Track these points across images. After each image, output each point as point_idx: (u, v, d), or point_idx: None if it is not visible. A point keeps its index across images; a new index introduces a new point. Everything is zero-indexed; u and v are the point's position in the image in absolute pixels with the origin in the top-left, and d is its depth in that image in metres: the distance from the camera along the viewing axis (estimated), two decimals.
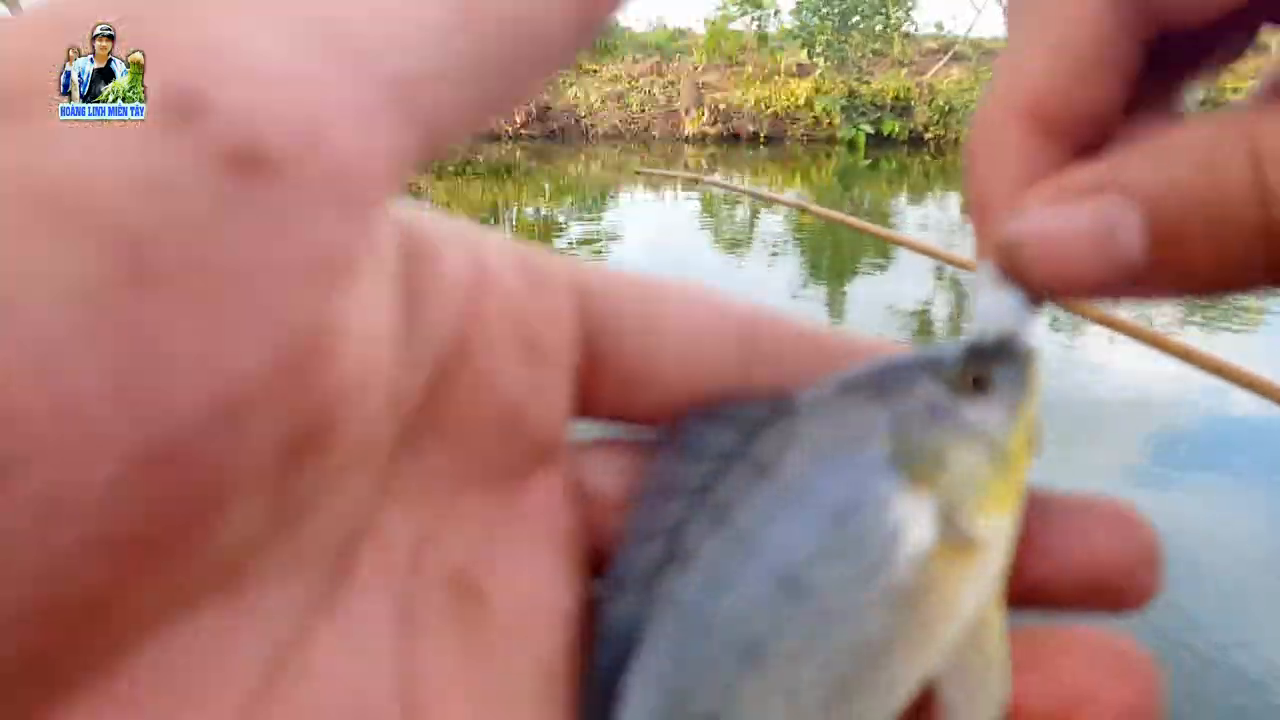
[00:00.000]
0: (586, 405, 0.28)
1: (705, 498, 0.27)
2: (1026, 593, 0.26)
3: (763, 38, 15.94)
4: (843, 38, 14.47)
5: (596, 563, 0.28)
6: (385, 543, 0.23)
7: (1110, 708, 0.22)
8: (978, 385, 0.28)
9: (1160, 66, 0.27)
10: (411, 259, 0.23)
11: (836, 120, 13.40)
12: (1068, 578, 0.25)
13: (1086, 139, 0.26)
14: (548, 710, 0.25)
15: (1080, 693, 0.23)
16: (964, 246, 5.61)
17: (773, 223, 7.48)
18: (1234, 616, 2.16)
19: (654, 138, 14.17)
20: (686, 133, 14.03)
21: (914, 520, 0.26)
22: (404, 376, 0.22)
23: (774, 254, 6.45)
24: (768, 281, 5.46)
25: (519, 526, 0.26)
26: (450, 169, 11.42)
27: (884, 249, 5.80)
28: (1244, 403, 3.24)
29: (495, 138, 14.09)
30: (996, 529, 0.26)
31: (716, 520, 0.26)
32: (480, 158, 12.12)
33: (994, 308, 0.27)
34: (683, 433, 0.28)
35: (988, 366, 0.28)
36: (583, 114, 14.57)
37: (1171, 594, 2.32)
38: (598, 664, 0.26)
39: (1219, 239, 0.23)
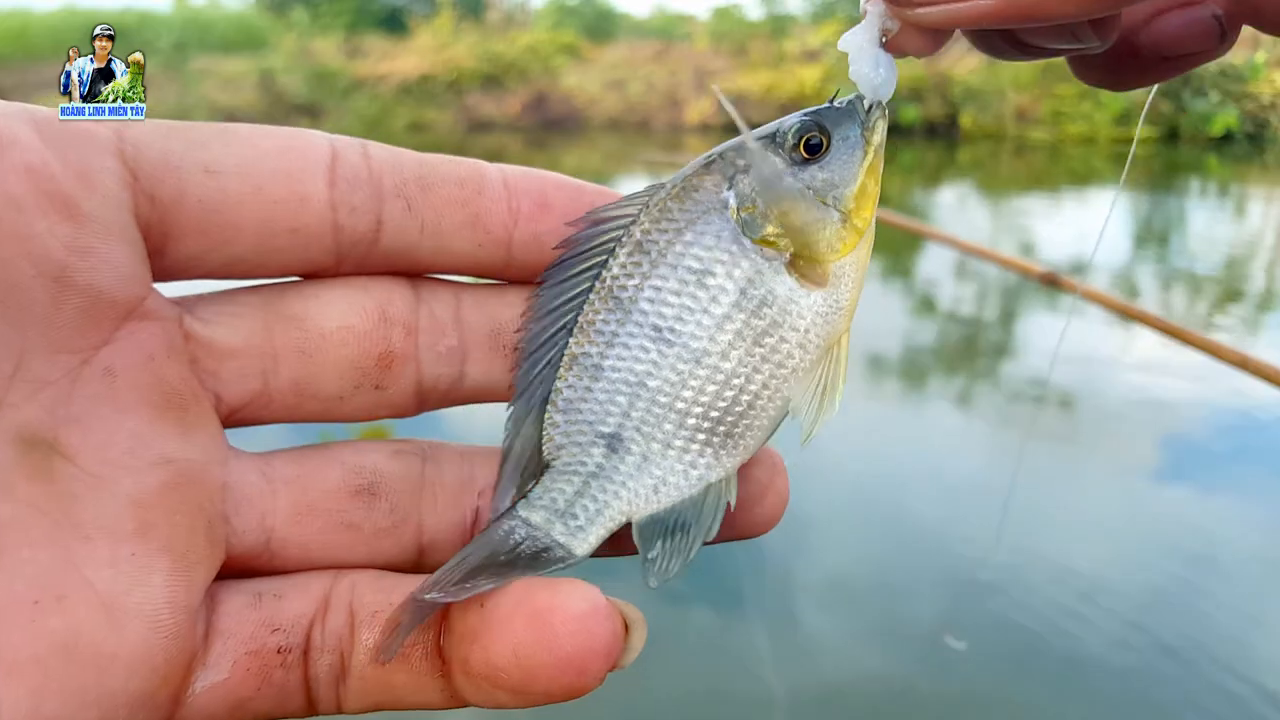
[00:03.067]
0: (173, 262, 0.30)
1: (596, 279, 0.33)
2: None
3: (775, 21, 15.69)
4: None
5: (221, 404, 0.31)
6: None
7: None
8: (809, 151, 0.33)
9: None
10: None
11: None
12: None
13: None
14: (145, 542, 0.29)
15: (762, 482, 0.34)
16: (970, 235, 5.46)
17: None
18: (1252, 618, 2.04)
19: (656, 128, 13.96)
20: (690, 121, 13.83)
21: (761, 274, 0.33)
22: None
23: None
24: None
25: (104, 384, 0.29)
26: None
27: (901, 239, 5.63)
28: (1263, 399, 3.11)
29: (489, 126, 13.90)
30: (839, 270, 0.33)
31: (606, 291, 0.33)
32: (474, 148, 11.93)
33: (858, 43, 0.33)
34: (571, 244, 0.33)
35: (823, 132, 0.33)
36: (580, 103, 14.36)
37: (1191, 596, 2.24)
38: (514, 414, 0.34)
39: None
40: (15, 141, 0.27)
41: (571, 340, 0.33)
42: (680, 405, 0.33)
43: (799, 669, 1.94)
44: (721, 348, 0.33)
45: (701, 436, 0.33)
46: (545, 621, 0.29)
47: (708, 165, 0.34)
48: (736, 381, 0.33)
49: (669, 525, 0.33)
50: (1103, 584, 2.23)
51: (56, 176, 0.27)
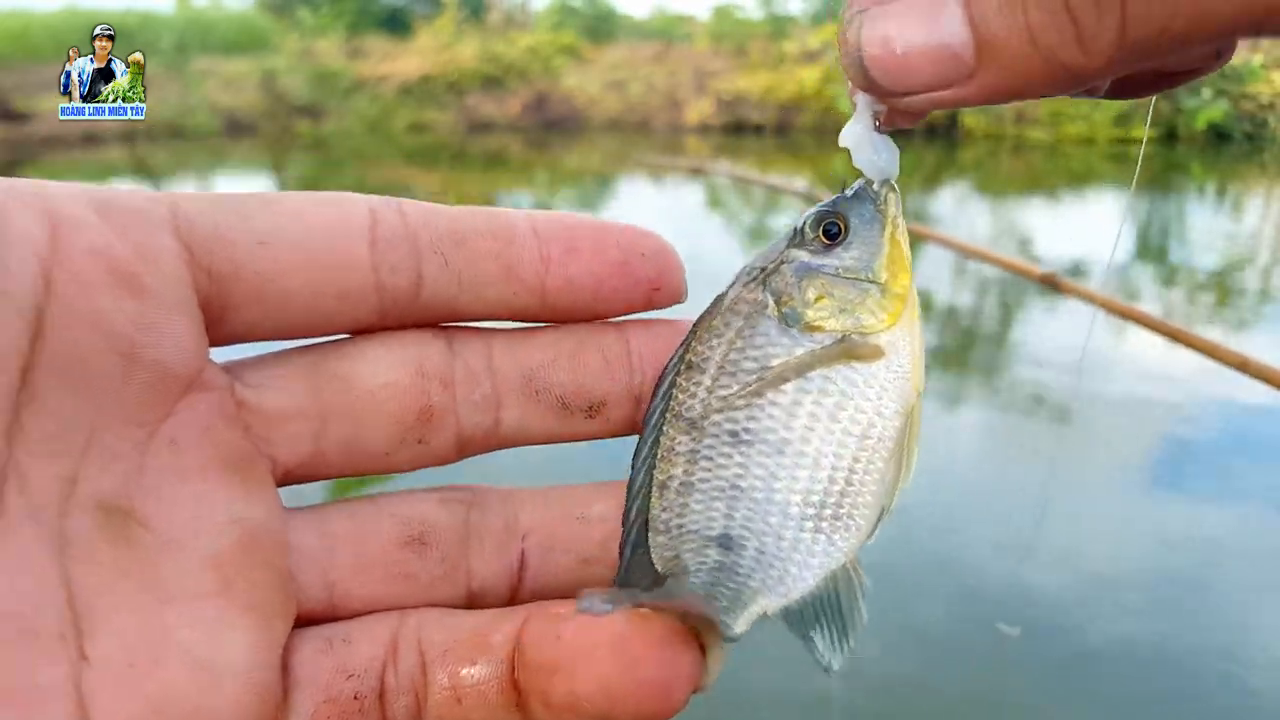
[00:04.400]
0: (230, 330, 0.32)
1: (669, 408, 0.35)
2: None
3: (775, 21, 15.67)
4: None
5: (277, 467, 0.33)
6: (28, 486, 0.27)
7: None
8: (829, 236, 0.35)
9: None
10: None
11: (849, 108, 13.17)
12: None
13: None
14: (224, 599, 0.30)
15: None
16: (979, 239, 5.45)
17: (786, 216, 7.30)
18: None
19: (656, 128, 13.95)
20: (690, 122, 13.82)
21: (813, 357, 0.34)
22: None
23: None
24: None
25: (171, 454, 0.30)
26: (443, 160, 11.23)
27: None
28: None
29: (489, 127, 13.91)
30: (891, 339, 0.34)
31: (674, 416, 0.35)
32: (475, 148, 11.93)
33: (855, 134, 0.35)
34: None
35: (839, 217, 0.35)
36: (580, 103, 14.36)
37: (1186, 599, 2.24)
38: (623, 542, 0.35)
39: (1034, 55, 0.26)
40: (80, 223, 0.28)
41: (656, 470, 0.35)
42: (779, 497, 0.34)
43: (799, 669, 1.95)
44: (800, 433, 0.34)
45: (810, 524, 0.34)
46: (628, 650, 0.30)
47: (738, 281, 0.36)
48: (826, 461, 0.34)
49: (812, 616, 0.34)
50: (1101, 583, 2.24)
51: (120, 256, 0.28)
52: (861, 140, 0.35)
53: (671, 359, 0.36)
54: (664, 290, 0.35)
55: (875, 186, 0.36)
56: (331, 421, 0.33)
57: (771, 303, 0.35)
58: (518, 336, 0.36)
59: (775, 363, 0.35)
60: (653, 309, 0.36)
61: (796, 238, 0.36)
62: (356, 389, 0.34)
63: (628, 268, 0.35)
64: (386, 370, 0.34)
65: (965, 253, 3.95)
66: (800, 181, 8.24)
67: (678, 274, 0.35)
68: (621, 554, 0.35)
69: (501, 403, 0.35)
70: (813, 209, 0.36)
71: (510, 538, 0.35)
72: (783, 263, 0.36)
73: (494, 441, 0.36)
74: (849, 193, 0.36)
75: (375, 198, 0.33)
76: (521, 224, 0.34)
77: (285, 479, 0.34)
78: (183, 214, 0.30)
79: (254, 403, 0.32)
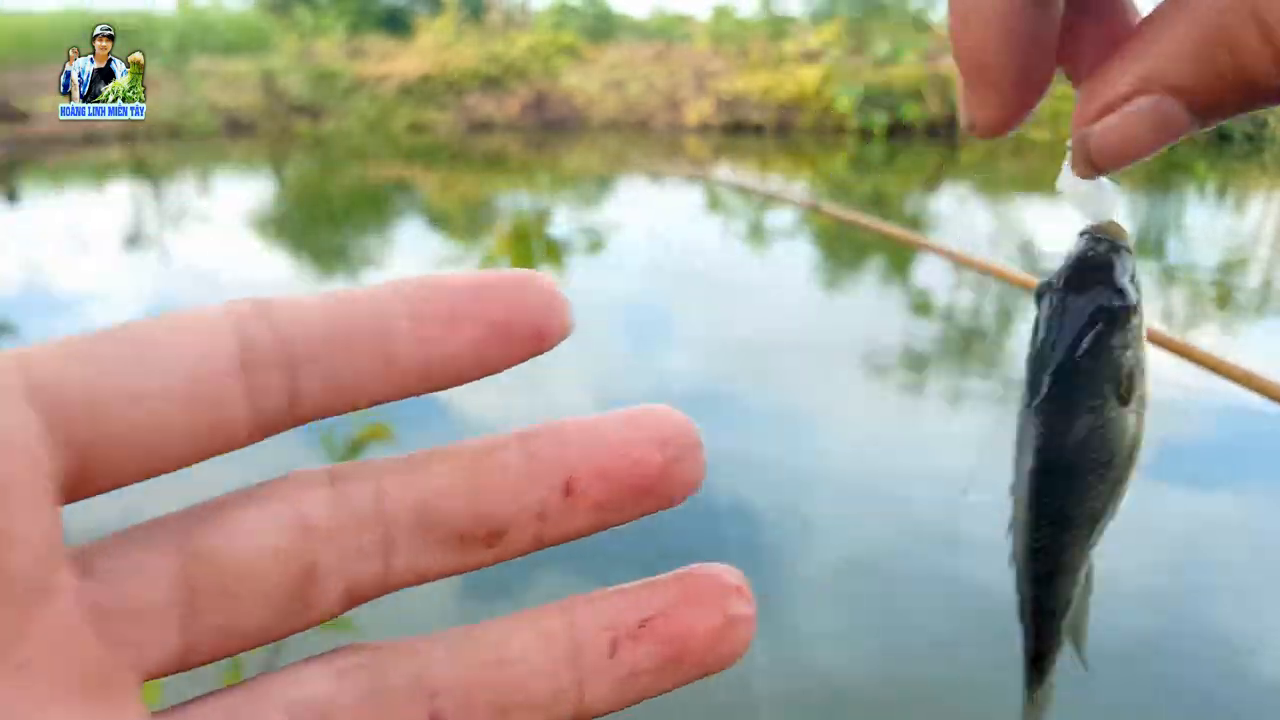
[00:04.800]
0: (89, 490, 0.28)
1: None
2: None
3: (774, 22, 15.66)
4: (861, 24, 14.21)
5: (139, 670, 0.29)
6: None
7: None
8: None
9: None
10: None
11: (847, 107, 13.18)
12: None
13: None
14: None
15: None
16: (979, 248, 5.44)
17: (783, 217, 7.30)
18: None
19: (655, 128, 13.93)
20: (690, 122, 13.81)
21: (1137, 423, 0.38)
22: None
23: (785, 249, 6.27)
24: (779, 280, 5.30)
25: (21, 682, 0.26)
26: (442, 160, 11.23)
27: (900, 247, 5.64)
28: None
29: (489, 127, 13.90)
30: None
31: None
32: (474, 148, 11.93)
33: (1076, 187, 0.37)
34: None
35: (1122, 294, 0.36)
36: (580, 103, 14.36)
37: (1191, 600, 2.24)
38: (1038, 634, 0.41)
39: (1249, 98, 0.29)
40: None
41: (1016, 514, 0.40)
42: (1089, 518, 0.40)
43: (795, 668, 1.95)
44: (1114, 473, 0.38)
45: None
46: None
47: (1066, 356, 0.37)
48: (1119, 481, 0.39)
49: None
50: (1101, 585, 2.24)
51: None
52: (1083, 189, 0.36)
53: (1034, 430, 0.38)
54: (548, 339, 0.32)
55: (1111, 236, 0.37)
56: (203, 609, 0.29)
57: (1112, 378, 0.37)
58: (407, 467, 0.33)
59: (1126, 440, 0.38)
60: (539, 354, 0.33)
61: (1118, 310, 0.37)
62: (231, 565, 0.30)
63: (509, 328, 0.32)
64: (264, 535, 0.30)
65: (961, 264, 3.96)
66: (799, 187, 8.23)
67: (563, 315, 0.32)
68: (1032, 625, 0.40)
69: (392, 546, 0.32)
70: (1106, 289, 0.37)
71: (418, 698, 0.31)
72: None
73: (385, 588, 0.32)
74: (1095, 248, 0.37)
75: (240, 306, 0.30)
76: (397, 307, 0.31)
77: (149, 677, 0.29)
78: (38, 377, 0.25)
79: (112, 603, 0.28)
